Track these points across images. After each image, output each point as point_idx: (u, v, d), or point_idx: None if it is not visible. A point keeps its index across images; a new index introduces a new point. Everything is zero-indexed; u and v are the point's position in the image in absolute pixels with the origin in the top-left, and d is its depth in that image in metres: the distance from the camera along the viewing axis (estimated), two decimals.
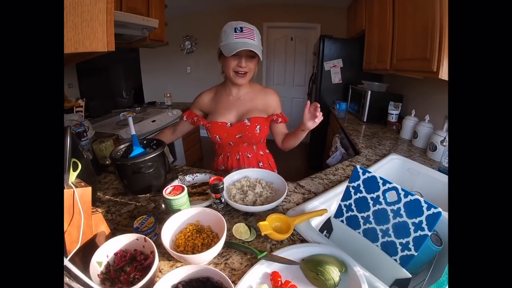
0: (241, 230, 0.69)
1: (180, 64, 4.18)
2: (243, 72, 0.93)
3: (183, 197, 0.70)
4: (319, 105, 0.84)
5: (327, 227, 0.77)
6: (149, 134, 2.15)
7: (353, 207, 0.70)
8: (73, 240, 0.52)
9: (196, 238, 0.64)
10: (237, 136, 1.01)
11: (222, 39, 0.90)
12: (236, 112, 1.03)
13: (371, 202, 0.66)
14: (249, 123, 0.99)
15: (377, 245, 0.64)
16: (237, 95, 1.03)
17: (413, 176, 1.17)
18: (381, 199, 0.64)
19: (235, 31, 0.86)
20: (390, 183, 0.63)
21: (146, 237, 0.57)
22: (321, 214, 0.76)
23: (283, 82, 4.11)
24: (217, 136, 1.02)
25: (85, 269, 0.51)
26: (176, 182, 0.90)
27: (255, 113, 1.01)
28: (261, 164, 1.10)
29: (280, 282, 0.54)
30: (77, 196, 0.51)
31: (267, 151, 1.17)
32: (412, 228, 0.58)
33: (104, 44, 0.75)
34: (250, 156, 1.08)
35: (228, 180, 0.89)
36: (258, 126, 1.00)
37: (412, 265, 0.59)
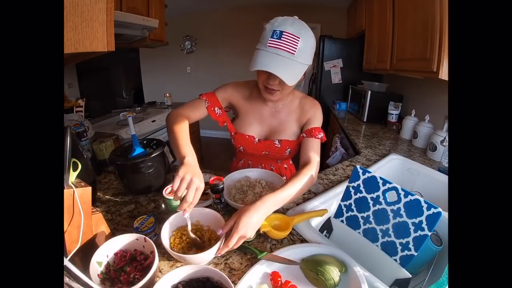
0: None
1: (180, 64, 4.18)
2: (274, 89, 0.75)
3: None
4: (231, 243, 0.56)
5: (327, 227, 0.77)
6: (149, 134, 2.15)
7: (353, 207, 0.70)
8: (73, 240, 0.52)
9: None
10: (263, 153, 0.92)
11: (260, 39, 0.70)
12: (268, 127, 0.91)
13: (371, 202, 0.66)
14: (279, 145, 0.88)
15: (377, 245, 0.64)
16: (273, 106, 0.89)
17: (413, 176, 1.17)
18: (381, 199, 0.64)
19: (272, 36, 0.66)
20: (390, 183, 0.63)
21: (146, 237, 0.57)
22: (322, 215, 0.76)
23: None
24: (241, 147, 0.92)
25: (85, 269, 0.50)
26: None
27: (288, 133, 0.89)
28: (284, 178, 0.95)
29: (280, 282, 0.54)
30: (77, 196, 0.51)
31: (291, 162, 1.05)
32: (412, 228, 0.58)
33: (104, 44, 0.75)
34: (273, 168, 0.99)
35: (228, 180, 0.89)
36: (289, 149, 0.90)
37: (412, 265, 0.59)
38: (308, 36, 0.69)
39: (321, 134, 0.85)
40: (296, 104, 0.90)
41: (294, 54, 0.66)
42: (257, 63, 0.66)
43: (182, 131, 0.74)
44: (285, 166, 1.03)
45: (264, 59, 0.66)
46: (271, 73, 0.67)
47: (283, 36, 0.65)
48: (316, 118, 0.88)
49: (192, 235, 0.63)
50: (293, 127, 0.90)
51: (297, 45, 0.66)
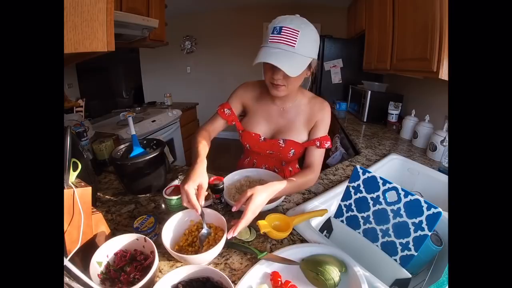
0: (241, 230, 0.69)
1: (180, 64, 4.17)
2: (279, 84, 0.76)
3: None
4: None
5: (327, 227, 0.77)
6: (149, 134, 2.15)
7: (353, 207, 0.70)
8: (73, 240, 0.52)
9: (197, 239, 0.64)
10: (267, 152, 0.92)
11: (263, 38, 0.73)
12: (275, 126, 0.91)
13: (371, 202, 0.66)
14: (283, 145, 0.87)
15: (377, 245, 0.64)
16: (282, 105, 0.89)
17: (413, 176, 1.17)
18: (381, 199, 0.64)
19: (272, 32, 0.69)
20: (390, 183, 0.63)
21: (146, 237, 0.57)
22: (322, 215, 0.76)
23: None
24: (248, 145, 0.94)
25: (85, 269, 0.51)
26: (176, 182, 0.90)
27: (294, 134, 0.88)
28: None
29: (280, 282, 0.54)
30: (77, 196, 0.51)
31: (297, 166, 1.05)
32: (412, 228, 0.58)
33: (104, 44, 0.75)
34: (277, 170, 0.98)
35: (228, 180, 0.89)
36: (293, 150, 0.88)
37: (412, 265, 0.59)
38: (308, 29, 0.71)
39: (328, 143, 0.87)
40: (305, 105, 0.89)
41: (294, 46, 0.68)
42: (259, 57, 0.69)
43: (195, 144, 0.80)
44: (290, 169, 1.01)
45: (266, 53, 0.68)
46: (275, 67, 0.68)
47: (282, 30, 0.68)
48: (324, 123, 0.88)
49: (206, 229, 0.64)
50: (300, 128, 0.89)
51: (296, 38, 0.68)
